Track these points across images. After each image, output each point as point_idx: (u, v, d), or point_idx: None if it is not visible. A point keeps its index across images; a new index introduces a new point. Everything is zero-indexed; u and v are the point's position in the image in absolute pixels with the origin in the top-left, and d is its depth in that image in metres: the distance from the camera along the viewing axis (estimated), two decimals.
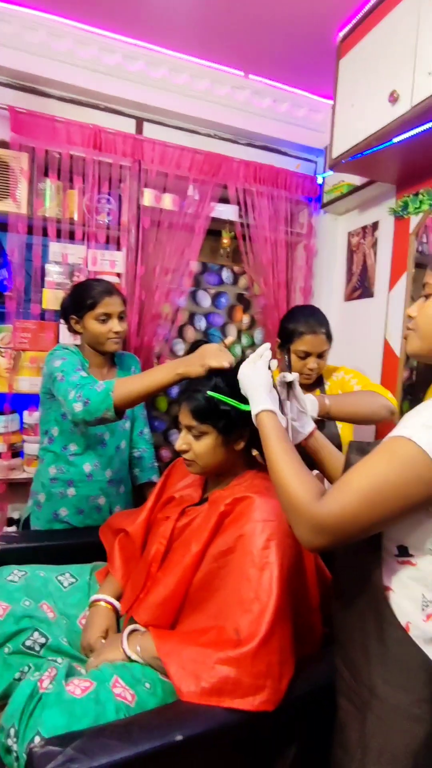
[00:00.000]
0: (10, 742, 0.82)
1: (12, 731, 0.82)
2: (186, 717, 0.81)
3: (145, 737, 0.76)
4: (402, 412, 1.82)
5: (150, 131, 2.02)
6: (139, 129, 2.02)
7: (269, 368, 0.95)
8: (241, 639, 0.86)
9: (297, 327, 1.48)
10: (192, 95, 2.04)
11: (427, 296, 0.82)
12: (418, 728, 0.70)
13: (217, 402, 1.01)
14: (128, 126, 1.99)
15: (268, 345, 0.98)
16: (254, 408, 0.89)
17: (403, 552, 0.74)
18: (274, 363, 0.99)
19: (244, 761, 0.91)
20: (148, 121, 2.03)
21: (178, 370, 1.11)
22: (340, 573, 0.87)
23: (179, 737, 0.77)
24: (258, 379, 0.92)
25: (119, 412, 1.18)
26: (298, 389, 0.98)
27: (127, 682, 0.90)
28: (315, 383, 1.57)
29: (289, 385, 0.98)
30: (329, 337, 1.51)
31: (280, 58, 1.94)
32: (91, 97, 1.93)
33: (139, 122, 2.02)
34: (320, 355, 1.49)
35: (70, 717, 0.81)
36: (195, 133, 2.10)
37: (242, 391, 0.95)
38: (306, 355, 1.48)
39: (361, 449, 0.77)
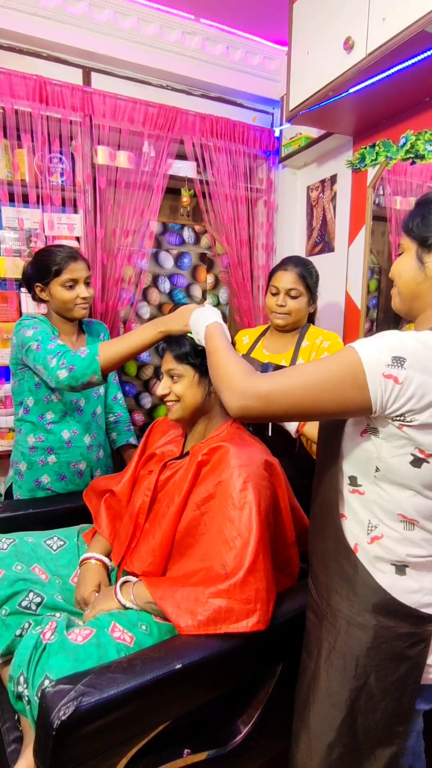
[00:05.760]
0: (20, 688, 0.88)
1: (21, 679, 0.88)
2: (183, 648, 0.89)
3: (147, 669, 0.83)
4: None
5: (98, 82, 1.91)
6: (87, 80, 1.91)
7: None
8: (228, 573, 0.94)
9: (275, 267, 1.60)
10: (140, 41, 1.93)
11: (399, 255, 0.88)
12: (360, 634, 0.81)
13: (195, 344, 1.12)
14: (75, 77, 1.87)
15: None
16: (206, 321, 1.04)
17: (353, 482, 0.83)
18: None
19: (237, 681, 1.01)
20: (96, 71, 1.92)
21: (161, 329, 1.19)
22: (313, 504, 0.97)
23: (178, 665, 0.85)
24: (206, 309, 1.09)
25: (104, 375, 1.24)
26: None
27: (125, 626, 0.96)
28: (293, 331, 1.59)
29: None
30: (304, 280, 1.53)
31: (232, 0, 1.85)
32: (32, 44, 1.79)
33: (86, 72, 1.91)
34: (292, 295, 1.52)
35: (75, 661, 0.87)
36: (146, 83, 2.00)
37: (193, 328, 1.09)
38: (276, 291, 1.55)
39: None
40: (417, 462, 0.74)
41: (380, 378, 0.71)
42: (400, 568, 0.80)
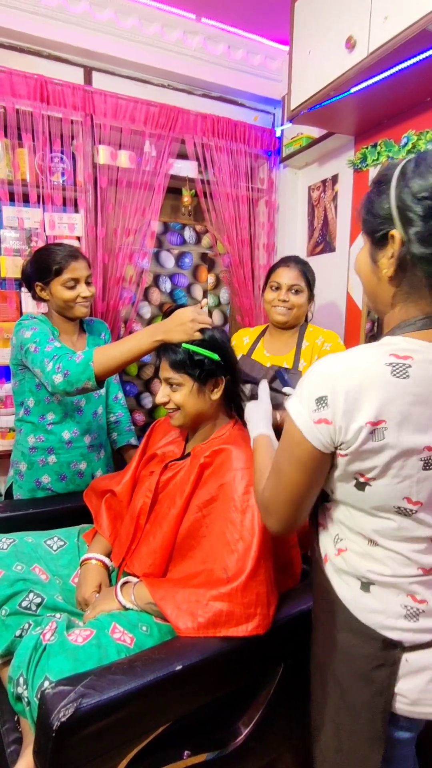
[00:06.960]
0: (20, 690, 0.87)
1: (21, 680, 0.87)
2: (184, 649, 0.89)
3: (148, 670, 0.83)
4: None
5: (100, 82, 1.91)
6: (88, 79, 1.91)
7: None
8: (230, 576, 0.94)
9: (275, 264, 1.63)
10: (141, 41, 1.93)
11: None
12: (331, 647, 0.79)
13: (192, 353, 1.07)
14: (76, 76, 1.87)
15: (266, 386, 1.13)
16: (252, 432, 1.00)
17: (326, 497, 0.82)
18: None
19: (238, 682, 1.01)
20: (97, 70, 1.91)
21: (157, 337, 1.13)
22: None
23: (179, 667, 0.85)
24: (257, 410, 1.05)
25: (99, 381, 1.20)
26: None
27: (125, 627, 0.96)
28: (292, 330, 1.61)
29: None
30: (305, 277, 1.57)
31: (233, 0, 1.85)
32: (33, 43, 1.79)
33: (88, 71, 1.90)
34: (294, 291, 1.55)
35: (75, 662, 0.86)
36: (147, 83, 2.00)
37: (246, 419, 1.07)
38: (278, 286, 1.56)
39: None
40: (360, 486, 0.73)
41: (313, 426, 0.69)
42: (365, 584, 0.76)
